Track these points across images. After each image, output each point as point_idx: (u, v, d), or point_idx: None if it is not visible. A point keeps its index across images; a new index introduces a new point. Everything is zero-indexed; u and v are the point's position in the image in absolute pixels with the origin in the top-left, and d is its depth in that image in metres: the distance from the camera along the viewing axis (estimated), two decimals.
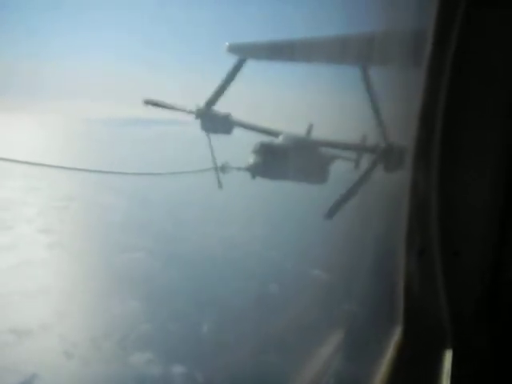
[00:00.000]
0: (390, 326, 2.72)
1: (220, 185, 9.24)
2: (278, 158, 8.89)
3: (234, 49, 10.03)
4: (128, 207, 29.43)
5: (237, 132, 10.17)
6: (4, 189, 30.51)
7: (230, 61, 10.17)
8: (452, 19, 2.23)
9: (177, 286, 19.26)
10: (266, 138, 9.65)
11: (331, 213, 8.07)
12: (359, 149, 9.28)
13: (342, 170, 9.92)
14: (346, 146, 9.72)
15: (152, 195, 30.36)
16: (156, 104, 9.75)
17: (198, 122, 10.01)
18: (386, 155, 7.59)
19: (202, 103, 10.07)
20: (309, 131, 10.30)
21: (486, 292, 2.52)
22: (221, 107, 10.13)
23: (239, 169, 8.95)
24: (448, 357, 2.48)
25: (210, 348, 15.09)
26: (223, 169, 8.78)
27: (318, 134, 10.27)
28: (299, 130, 10.37)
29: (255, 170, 8.87)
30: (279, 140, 9.40)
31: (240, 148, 9.63)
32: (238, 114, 10.39)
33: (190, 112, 9.92)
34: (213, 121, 9.72)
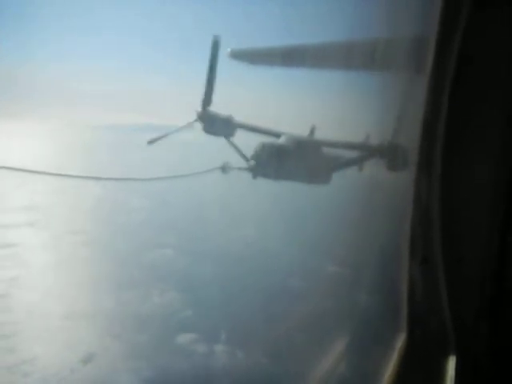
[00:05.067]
0: (394, 333, 2.75)
1: None
2: (279, 158, 8.87)
3: (236, 55, 10.11)
4: (150, 208, 31.28)
5: (239, 134, 10.13)
6: (29, 191, 31.99)
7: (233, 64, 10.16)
8: (455, 23, 2.22)
9: (206, 278, 21.15)
10: (268, 140, 9.69)
11: None
12: (362, 148, 9.30)
13: (343, 173, 9.98)
14: (348, 146, 9.76)
15: (169, 197, 32.16)
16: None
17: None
18: (390, 153, 7.57)
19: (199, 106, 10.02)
20: (311, 133, 10.25)
21: (489, 299, 2.51)
22: (223, 111, 10.17)
23: (240, 169, 9.00)
24: (451, 363, 2.49)
25: (245, 330, 17.13)
26: (224, 169, 8.74)
27: (321, 136, 10.34)
28: (302, 133, 10.42)
29: (256, 170, 8.96)
30: (281, 140, 9.38)
31: (243, 149, 9.85)
32: (240, 119, 10.36)
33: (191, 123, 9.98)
34: (214, 123, 9.69)
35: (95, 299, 19.84)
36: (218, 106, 10.14)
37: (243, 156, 9.40)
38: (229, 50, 9.99)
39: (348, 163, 9.77)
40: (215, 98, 10.09)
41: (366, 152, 9.20)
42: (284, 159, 8.93)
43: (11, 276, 20.92)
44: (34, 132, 60.98)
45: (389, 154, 7.58)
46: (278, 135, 9.65)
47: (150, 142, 9.33)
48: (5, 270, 21.38)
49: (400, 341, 2.65)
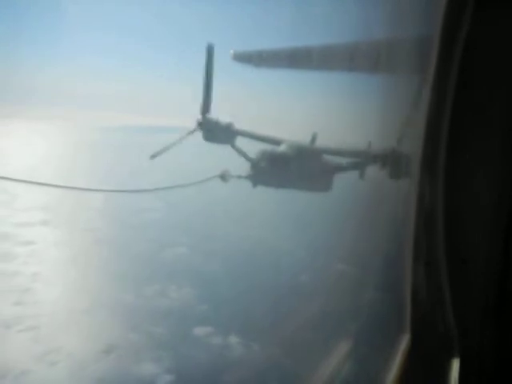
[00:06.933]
0: (398, 335, 2.73)
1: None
2: (279, 166, 8.78)
3: (239, 57, 9.94)
4: (158, 208, 31.97)
5: (240, 141, 9.89)
6: (39, 192, 32.56)
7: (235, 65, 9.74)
8: (458, 25, 2.20)
9: (220, 276, 22.07)
10: (269, 147, 9.54)
11: None
12: (365, 156, 9.14)
13: (346, 178, 9.79)
14: (350, 154, 9.57)
15: (179, 199, 32.91)
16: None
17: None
18: (393, 161, 7.43)
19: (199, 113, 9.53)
20: (313, 140, 9.99)
21: (493, 301, 2.49)
22: (225, 115, 9.86)
23: (240, 177, 8.82)
24: (455, 365, 2.48)
25: (258, 323, 18.00)
26: (223, 177, 8.56)
27: (322, 142, 10.01)
28: (303, 138, 10.03)
29: (256, 178, 8.82)
30: (281, 148, 9.26)
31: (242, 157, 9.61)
32: (241, 123, 10.10)
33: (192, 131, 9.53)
34: (214, 131, 9.45)
35: (114, 294, 20.73)
36: (220, 110, 10.06)
37: (250, 159, 9.33)
38: (232, 51, 9.82)
39: (349, 170, 9.68)
40: (217, 101, 9.99)
41: (369, 160, 9.08)
42: (284, 167, 8.87)
43: (33, 272, 21.94)
44: (36, 132, 61.46)
45: (392, 162, 7.48)
46: (279, 143, 9.51)
47: (153, 157, 9.52)
48: (27, 266, 22.40)
49: (404, 342, 2.65)
